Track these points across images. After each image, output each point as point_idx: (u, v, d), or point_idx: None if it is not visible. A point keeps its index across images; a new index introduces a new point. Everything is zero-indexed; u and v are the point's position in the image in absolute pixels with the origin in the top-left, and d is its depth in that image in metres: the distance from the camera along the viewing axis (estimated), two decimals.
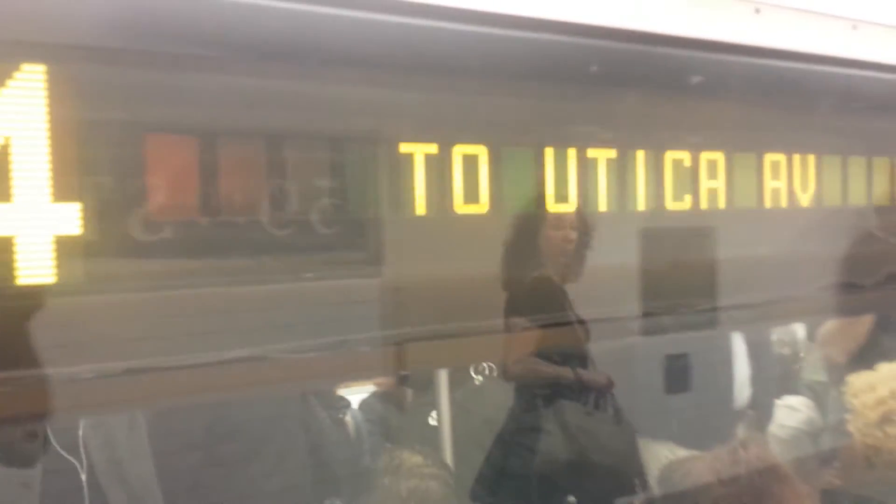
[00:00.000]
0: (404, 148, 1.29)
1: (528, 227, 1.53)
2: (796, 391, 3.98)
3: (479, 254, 1.45)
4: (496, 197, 1.38)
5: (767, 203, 1.67)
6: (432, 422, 3.41)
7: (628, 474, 3.11)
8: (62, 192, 1.01)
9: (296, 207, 1.21)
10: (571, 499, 3.70)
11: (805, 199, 1.73)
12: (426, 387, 3.52)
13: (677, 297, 1.69)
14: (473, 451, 2.96)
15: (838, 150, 1.80)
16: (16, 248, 0.99)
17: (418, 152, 1.29)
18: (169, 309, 1.15)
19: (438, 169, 1.31)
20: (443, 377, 3.29)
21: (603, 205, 1.49)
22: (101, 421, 2.59)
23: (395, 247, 1.34)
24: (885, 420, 2.74)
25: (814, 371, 3.89)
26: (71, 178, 1.02)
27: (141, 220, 1.10)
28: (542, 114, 1.46)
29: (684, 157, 1.56)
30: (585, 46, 1.41)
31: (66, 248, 1.02)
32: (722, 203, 1.62)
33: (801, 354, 4.17)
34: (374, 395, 3.87)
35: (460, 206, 1.35)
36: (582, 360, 2.31)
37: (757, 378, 3.74)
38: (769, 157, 1.65)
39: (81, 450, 2.36)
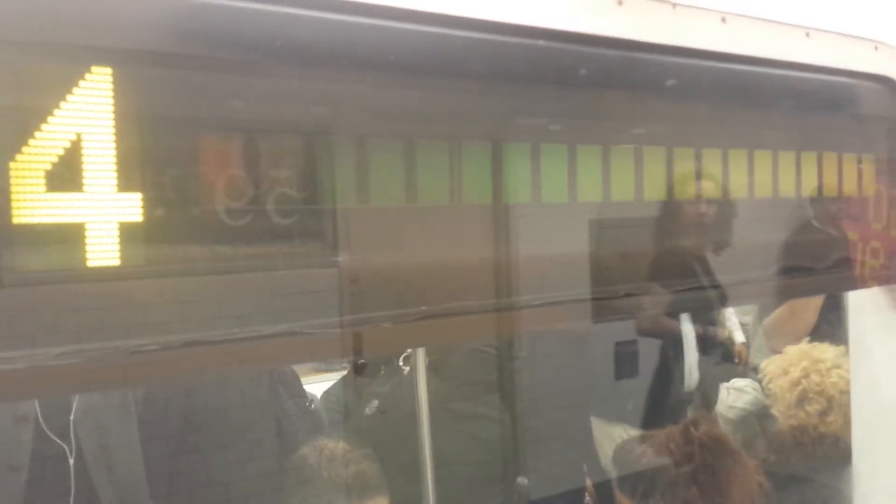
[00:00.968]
0: None
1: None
2: (744, 374, 4.21)
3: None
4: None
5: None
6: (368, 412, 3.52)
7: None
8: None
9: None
10: (522, 479, 3.84)
11: (765, 190, 1.87)
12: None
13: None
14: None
15: (794, 146, 1.94)
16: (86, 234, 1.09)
17: None
18: None
19: None
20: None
21: None
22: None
23: None
24: (802, 399, 2.93)
25: (760, 355, 4.11)
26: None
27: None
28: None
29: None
30: (574, 52, 1.52)
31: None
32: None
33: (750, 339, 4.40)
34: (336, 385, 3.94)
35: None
36: None
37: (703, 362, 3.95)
38: (746, 154, 1.78)
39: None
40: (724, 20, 1.70)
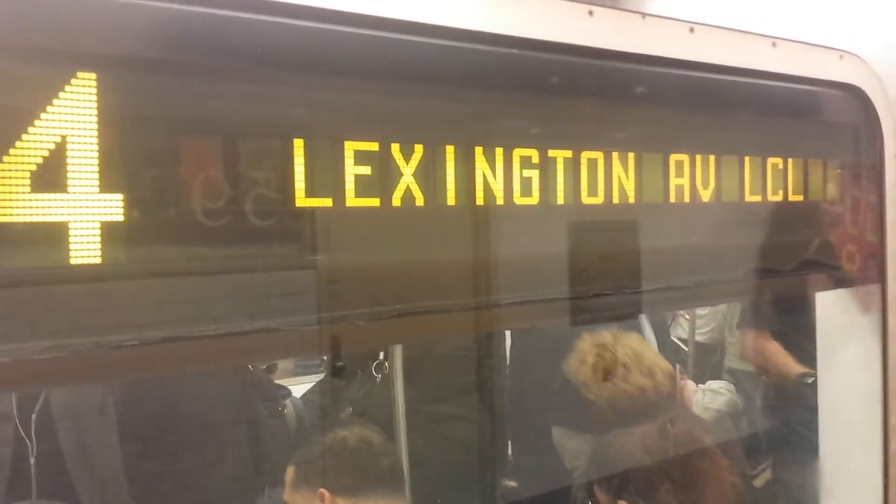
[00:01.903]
0: None
1: None
2: (719, 376, 4.28)
3: None
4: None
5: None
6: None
7: None
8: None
9: None
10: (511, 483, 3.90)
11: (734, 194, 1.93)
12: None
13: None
14: None
15: (761, 151, 2.00)
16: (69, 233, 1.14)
17: None
18: None
19: None
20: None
21: None
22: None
23: None
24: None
25: (735, 359, 4.19)
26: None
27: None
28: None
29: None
30: (548, 60, 1.58)
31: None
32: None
33: (724, 343, 4.47)
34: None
35: None
36: None
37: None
38: (711, 158, 1.84)
39: None
40: (692, 30, 1.75)
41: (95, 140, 1.16)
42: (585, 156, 1.68)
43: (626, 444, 2.72)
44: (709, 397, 3.63)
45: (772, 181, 2.05)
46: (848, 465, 2.39)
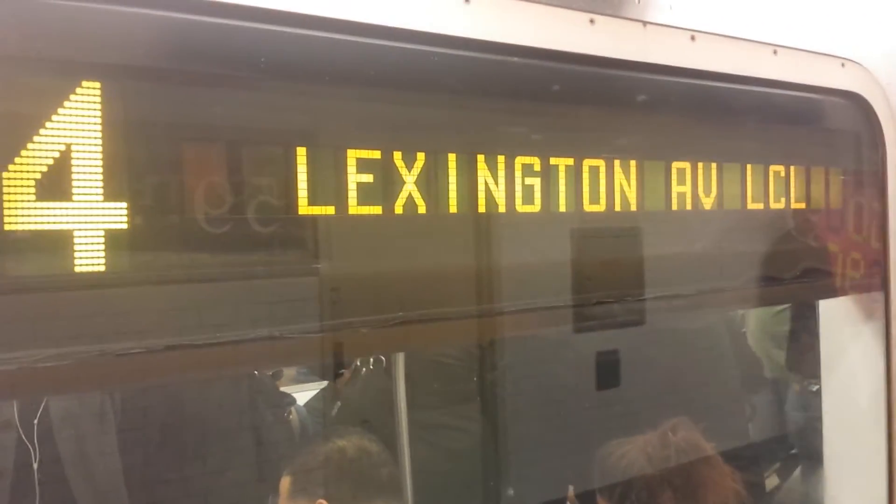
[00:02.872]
0: None
1: None
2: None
3: None
4: None
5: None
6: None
7: None
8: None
9: None
10: (511, 492, 3.88)
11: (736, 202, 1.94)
12: None
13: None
14: None
15: (763, 159, 2.00)
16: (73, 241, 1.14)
17: None
18: None
19: None
20: None
21: None
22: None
23: None
24: None
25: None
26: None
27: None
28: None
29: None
30: (550, 69, 1.58)
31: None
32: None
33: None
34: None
35: None
36: None
37: None
38: (713, 166, 1.85)
39: None
40: (693, 38, 1.76)
41: (100, 148, 1.17)
42: (587, 163, 1.68)
43: (628, 453, 2.72)
44: None
45: (773, 189, 2.06)
46: (852, 473, 2.39)
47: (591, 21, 1.60)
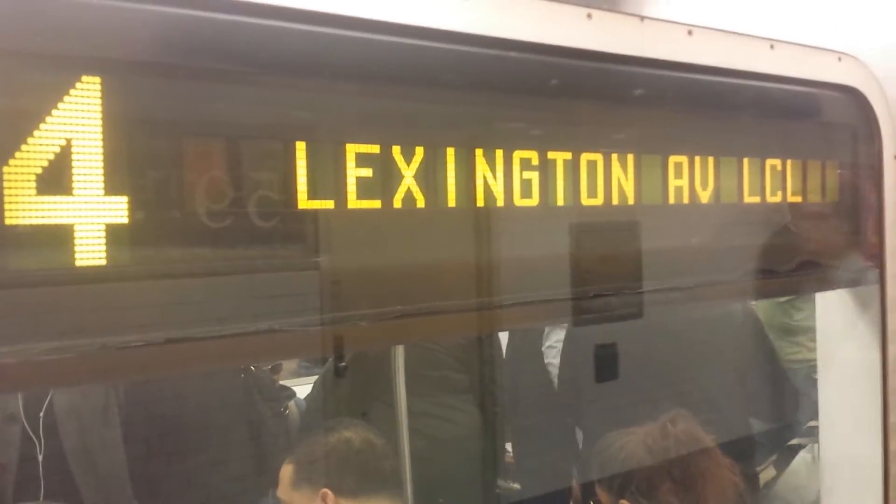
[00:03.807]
0: None
1: None
2: None
3: None
4: None
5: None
6: None
7: None
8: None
9: None
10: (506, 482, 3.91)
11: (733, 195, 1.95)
12: None
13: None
14: None
15: (759, 153, 2.01)
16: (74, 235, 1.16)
17: None
18: None
19: None
20: None
21: None
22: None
23: None
24: None
25: None
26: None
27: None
28: None
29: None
30: (547, 63, 1.60)
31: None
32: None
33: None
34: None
35: None
36: None
37: None
38: (710, 159, 1.86)
39: None
40: (690, 33, 1.77)
41: (100, 143, 1.18)
42: (585, 157, 1.69)
43: (628, 444, 2.73)
44: None
45: (770, 182, 2.07)
46: (848, 463, 2.40)
47: (589, 16, 1.61)
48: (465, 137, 1.59)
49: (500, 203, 1.62)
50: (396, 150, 1.49)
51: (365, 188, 1.46)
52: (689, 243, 2.01)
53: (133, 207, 1.22)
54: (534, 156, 1.64)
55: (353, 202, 1.44)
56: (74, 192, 1.16)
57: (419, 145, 1.52)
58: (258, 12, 1.30)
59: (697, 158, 1.88)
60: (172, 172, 1.28)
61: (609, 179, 1.73)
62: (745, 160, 2.01)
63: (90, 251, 1.18)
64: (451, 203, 1.57)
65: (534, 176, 1.65)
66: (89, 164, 1.17)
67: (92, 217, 1.18)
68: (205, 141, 1.32)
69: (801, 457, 3.60)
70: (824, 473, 2.53)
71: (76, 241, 1.17)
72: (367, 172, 1.46)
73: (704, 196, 1.91)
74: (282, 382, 4.57)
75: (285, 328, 1.37)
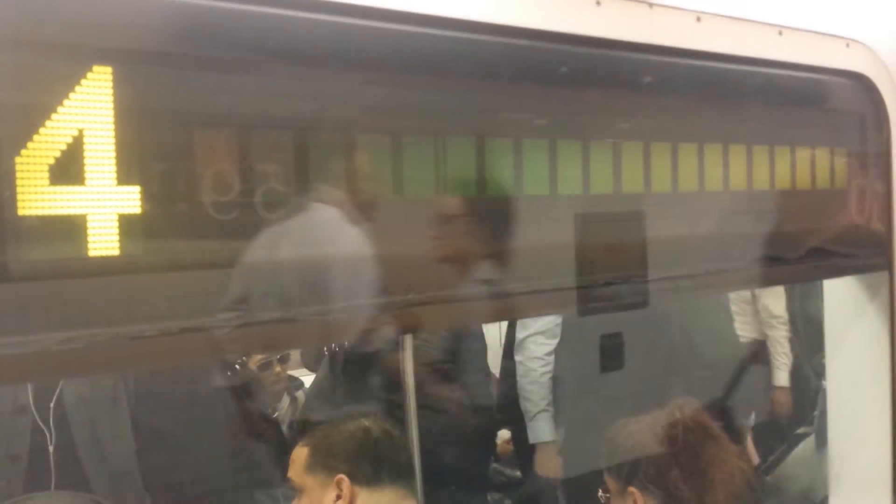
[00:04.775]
0: None
1: None
2: None
3: None
4: None
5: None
6: None
7: None
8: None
9: None
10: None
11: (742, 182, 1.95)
12: None
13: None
14: None
15: (768, 140, 2.01)
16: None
17: None
18: None
19: None
20: None
21: None
22: None
23: None
24: None
25: None
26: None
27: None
28: None
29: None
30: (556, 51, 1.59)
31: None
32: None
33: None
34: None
35: None
36: None
37: None
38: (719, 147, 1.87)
39: None
40: (699, 19, 1.76)
41: (112, 133, 1.18)
42: (594, 146, 1.69)
43: (635, 432, 2.74)
44: None
45: (779, 169, 2.06)
46: (857, 453, 2.41)
47: (598, 3, 1.61)
48: (471, 126, 1.59)
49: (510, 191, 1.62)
50: (403, 140, 1.50)
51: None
52: (696, 231, 2.01)
53: (145, 198, 1.22)
54: (542, 144, 1.64)
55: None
56: (87, 182, 1.17)
57: (424, 134, 1.52)
58: (272, 1, 1.30)
59: (706, 146, 1.88)
60: (184, 164, 1.28)
61: (618, 167, 1.73)
62: (754, 147, 2.00)
63: (103, 241, 1.18)
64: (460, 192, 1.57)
65: (542, 164, 1.65)
66: (101, 155, 1.17)
67: (105, 207, 1.18)
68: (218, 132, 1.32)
69: (803, 445, 3.63)
70: (833, 460, 2.53)
71: (89, 232, 1.18)
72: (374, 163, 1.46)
73: (713, 183, 1.91)
74: (290, 373, 4.60)
75: (296, 317, 1.38)
